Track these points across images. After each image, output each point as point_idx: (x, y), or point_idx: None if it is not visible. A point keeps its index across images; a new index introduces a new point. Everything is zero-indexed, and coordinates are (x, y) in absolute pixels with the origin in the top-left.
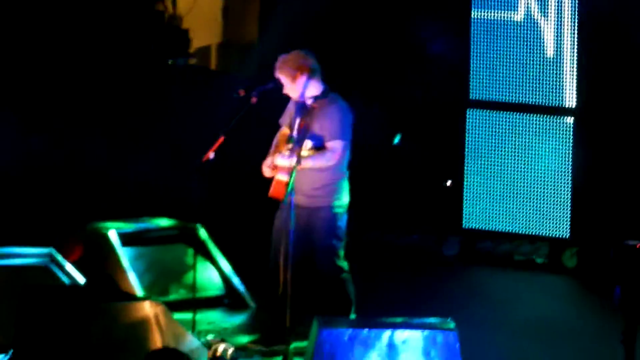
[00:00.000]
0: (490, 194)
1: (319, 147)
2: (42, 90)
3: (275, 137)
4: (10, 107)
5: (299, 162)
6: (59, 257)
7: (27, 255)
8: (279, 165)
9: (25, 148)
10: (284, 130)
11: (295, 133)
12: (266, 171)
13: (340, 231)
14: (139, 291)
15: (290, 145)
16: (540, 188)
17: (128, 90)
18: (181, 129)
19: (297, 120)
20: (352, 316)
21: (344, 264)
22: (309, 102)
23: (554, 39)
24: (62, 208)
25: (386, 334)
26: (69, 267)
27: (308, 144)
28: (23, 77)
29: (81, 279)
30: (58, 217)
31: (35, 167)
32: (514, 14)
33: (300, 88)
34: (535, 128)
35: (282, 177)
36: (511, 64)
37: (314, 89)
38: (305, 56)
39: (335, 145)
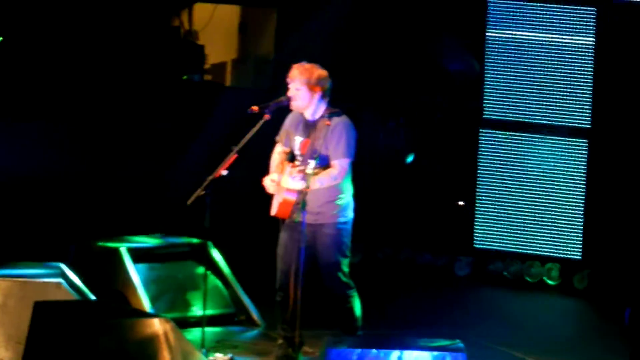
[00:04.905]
0: (502, 215)
1: (324, 165)
2: (55, 103)
3: (273, 154)
4: (27, 120)
5: (308, 185)
6: (70, 273)
7: (39, 270)
8: (285, 186)
9: (37, 163)
10: (282, 148)
11: (298, 152)
12: (270, 187)
13: (345, 247)
14: (148, 308)
15: (297, 166)
16: (553, 209)
17: (142, 105)
18: (195, 145)
19: (299, 139)
20: (359, 333)
21: (349, 281)
22: (310, 119)
23: (569, 60)
24: (73, 224)
25: (395, 354)
26: (80, 283)
27: (312, 163)
28: (40, 93)
29: (92, 295)
30: (69, 232)
31: (45, 182)
32: (529, 33)
33: (312, 103)
34: (549, 149)
35: (288, 196)
36: (525, 84)
37: (321, 108)
38: (327, 76)
39: (342, 164)
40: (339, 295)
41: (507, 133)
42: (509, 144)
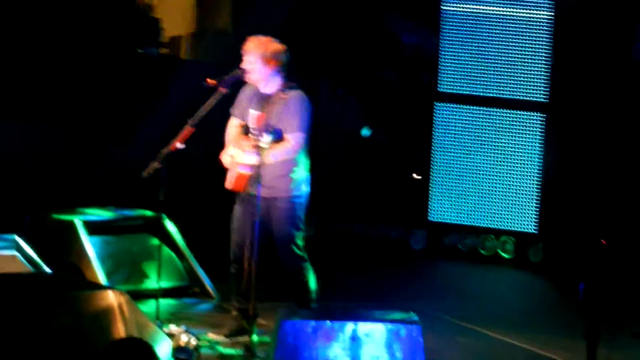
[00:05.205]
0: (457, 188)
1: (279, 139)
2: (9, 77)
3: (228, 128)
4: None
5: (261, 159)
6: (24, 245)
7: None
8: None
9: None
10: (237, 121)
11: (253, 125)
12: (226, 162)
13: (299, 221)
14: (103, 280)
15: (252, 140)
16: (508, 183)
17: (98, 79)
18: (150, 119)
19: (254, 112)
20: (313, 305)
21: (303, 254)
22: (266, 92)
23: (526, 34)
24: (28, 196)
25: (349, 326)
26: (34, 255)
27: (267, 137)
28: None
29: (46, 268)
30: (24, 205)
31: (3, 154)
32: (485, 7)
33: (267, 77)
34: (505, 123)
35: (243, 170)
36: (481, 58)
37: (276, 82)
38: (283, 50)
39: (296, 138)
40: (293, 268)
41: (463, 106)
42: (464, 118)
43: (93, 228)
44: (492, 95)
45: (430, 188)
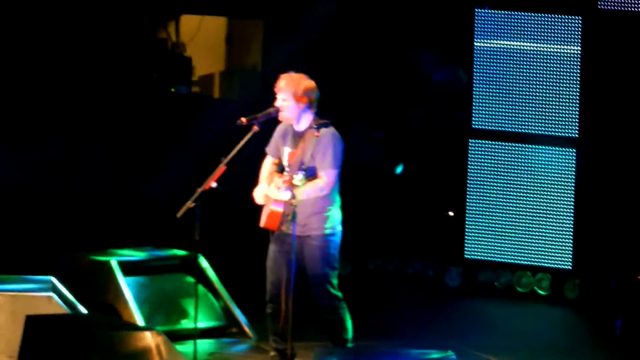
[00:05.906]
0: (492, 225)
1: (312, 177)
2: (46, 117)
3: (263, 166)
4: (14, 133)
5: (294, 196)
6: (60, 286)
7: (29, 284)
8: (272, 197)
9: (27, 175)
10: (271, 159)
11: (286, 162)
12: (259, 199)
13: (333, 259)
14: (140, 321)
15: (285, 177)
16: (543, 219)
17: (131, 118)
18: (183, 158)
19: (288, 150)
20: (350, 345)
21: (338, 293)
22: (298, 129)
23: (555, 69)
24: (64, 236)
25: None
26: (71, 296)
27: (300, 175)
28: (26, 104)
29: (83, 309)
30: (60, 245)
31: (38, 194)
32: (516, 43)
33: (299, 114)
34: (537, 159)
35: (276, 207)
36: (513, 94)
37: (308, 119)
38: (315, 87)
39: (329, 175)
40: (327, 307)
41: (496, 142)
42: (498, 154)
43: (129, 269)
44: (524, 131)
45: (466, 225)
